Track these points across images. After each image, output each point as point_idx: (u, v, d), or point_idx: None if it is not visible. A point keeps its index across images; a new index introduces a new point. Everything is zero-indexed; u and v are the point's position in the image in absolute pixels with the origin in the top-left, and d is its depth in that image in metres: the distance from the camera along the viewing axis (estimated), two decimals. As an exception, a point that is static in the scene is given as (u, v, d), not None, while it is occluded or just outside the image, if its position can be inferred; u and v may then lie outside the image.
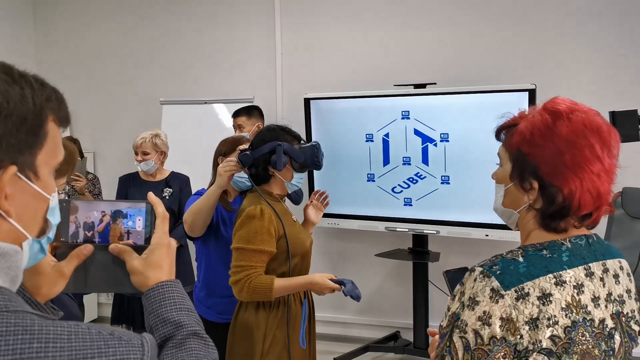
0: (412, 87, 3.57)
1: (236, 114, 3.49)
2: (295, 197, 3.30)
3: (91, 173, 3.47)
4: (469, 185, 3.29)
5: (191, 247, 3.27)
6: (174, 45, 4.40)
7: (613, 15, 3.51)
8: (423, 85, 3.55)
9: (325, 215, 3.85)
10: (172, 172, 3.44)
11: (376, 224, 3.69)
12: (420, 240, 3.66)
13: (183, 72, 4.38)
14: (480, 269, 0.98)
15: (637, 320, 1.06)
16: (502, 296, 0.94)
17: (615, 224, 2.98)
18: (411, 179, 3.55)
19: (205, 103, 4.12)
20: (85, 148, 4.64)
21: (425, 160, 3.48)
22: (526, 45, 3.65)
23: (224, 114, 4.06)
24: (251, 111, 3.50)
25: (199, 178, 3.70)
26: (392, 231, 3.65)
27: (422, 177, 3.51)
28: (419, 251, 3.65)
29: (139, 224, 0.90)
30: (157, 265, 0.87)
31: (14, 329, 0.61)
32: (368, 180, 3.68)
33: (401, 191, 3.60)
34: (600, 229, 2.78)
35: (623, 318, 1.02)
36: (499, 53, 3.70)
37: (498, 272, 0.96)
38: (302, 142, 2.05)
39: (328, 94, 3.75)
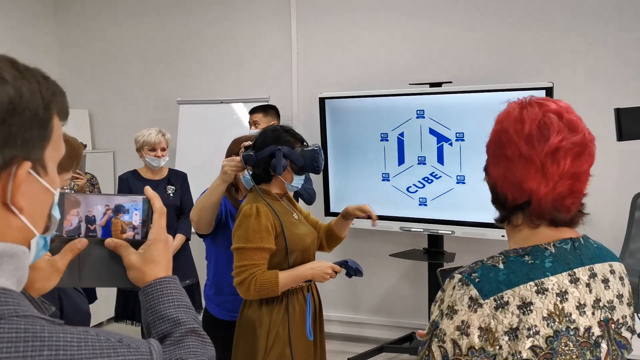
0: (428, 85, 3.54)
1: (253, 111, 3.54)
2: (308, 198, 3.34)
3: (89, 173, 3.54)
4: (485, 185, 3.23)
5: (195, 243, 3.34)
6: (191, 45, 4.46)
7: (634, 12, 3.42)
8: (438, 84, 3.52)
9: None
10: (171, 170, 3.50)
11: (391, 223, 3.67)
12: (435, 240, 3.63)
13: (200, 72, 4.44)
14: (459, 276, 0.96)
15: (629, 327, 1.02)
16: (481, 305, 0.92)
17: (636, 225, 2.91)
18: (426, 179, 3.53)
19: (222, 103, 4.16)
20: (105, 147, 4.75)
21: (440, 159, 3.46)
22: (543, 42, 3.58)
23: (241, 113, 4.09)
24: (267, 109, 3.54)
25: (216, 176, 3.73)
26: (407, 231, 3.64)
27: (437, 176, 3.49)
28: (434, 251, 3.63)
29: (135, 218, 0.90)
30: (154, 261, 0.87)
31: (24, 336, 0.60)
32: (383, 180, 3.67)
33: (416, 191, 3.58)
34: (612, 233, 2.73)
35: (612, 325, 0.98)
36: (515, 51, 3.63)
37: (477, 279, 0.94)
38: (304, 144, 2.06)
39: (343, 93, 3.74)
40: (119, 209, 0.90)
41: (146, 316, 0.85)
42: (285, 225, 1.95)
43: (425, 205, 3.56)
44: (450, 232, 3.48)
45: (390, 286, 4.08)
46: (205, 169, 3.81)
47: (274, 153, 1.96)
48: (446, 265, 3.54)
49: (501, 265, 0.96)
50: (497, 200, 1.05)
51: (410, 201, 3.60)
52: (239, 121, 4.05)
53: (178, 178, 3.47)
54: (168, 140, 3.42)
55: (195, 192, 3.68)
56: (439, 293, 1.00)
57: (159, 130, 3.38)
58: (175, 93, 4.41)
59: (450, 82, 3.54)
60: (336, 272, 2.03)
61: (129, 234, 0.90)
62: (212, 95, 4.30)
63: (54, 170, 0.71)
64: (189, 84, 4.46)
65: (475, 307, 0.92)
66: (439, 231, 3.53)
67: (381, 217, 3.72)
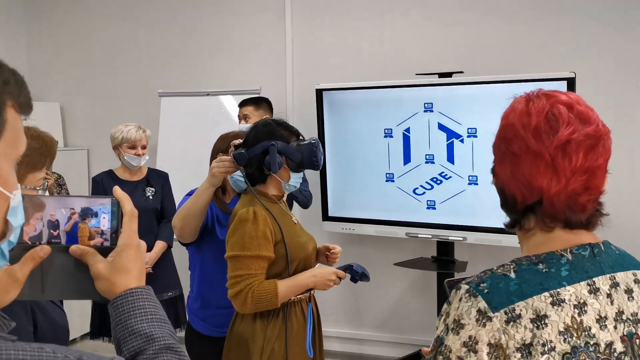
0: (437, 76, 3.54)
1: (243, 104, 3.54)
2: (304, 201, 3.35)
3: (55, 173, 3.54)
4: None
5: (178, 251, 3.34)
6: (173, 31, 4.46)
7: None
8: (448, 74, 3.52)
9: (339, 220, 3.86)
10: (150, 169, 3.51)
11: (396, 229, 3.68)
12: (445, 247, 3.64)
13: (183, 61, 4.44)
14: (467, 286, 0.97)
15: None
16: (490, 319, 0.92)
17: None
18: (435, 179, 3.53)
19: (208, 95, 4.17)
20: (78, 144, 4.75)
21: (450, 158, 3.46)
22: (565, 29, 3.58)
23: (229, 106, 4.10)
24: (259, 102, 3.55)
25: (202, 177, 3.73)
26: (414, 237, 3.64)
27: (447, 177, 3.49)
28: (444, 260, 3.64)
29: (103, 222, 0.89)
30: (124, 270, 0.86)
31: None
32: (387, 181, 3.68)
33: (424, 193, 3.58)
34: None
35: (637, 340, 0.98)
36: (533, 38, 3.64)
37: (486, 290, 0.94)
38: (300, 137, 2.07)
39: (342, 85, 3.75)
40: (86, 213, 0.89)
41: (116, 332, 0.84)
42: (286, 231, 1.95)
43: (434, 208, 3.56)
44: (461, 239, 3.49)
45: (395, 299, 4.09)
46: (189, 169, 3.81)
47: (267, 149, 1.96)
48: (457, 276, 3.55)
49: (512, 275, 0.97)
50: (506, 203, 1.05)
51: (417, 204, 3.60)
52: (228, 115, 4.06)
53: (159, 179, 3.47)
54: (148, 136, 3.43)
55: (178, 194, 3.68)
56: (445, 306, 1.00)
57: (138, 125, 3.39)
58: (157, 84, 4.41)
59: (462, 72, 3.54)
60: (340, 278, 2.04)
61: (97, 240, 0.89)
62: (198, 87, 4.30)
63: (8, 169, 0.70)
64: (172, 74, 4.46)
65: (484, 320, 0.92)
66: (449, 237, 3.53)
67: (385, 222, 3.77)
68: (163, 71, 4.49)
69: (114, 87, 4.63)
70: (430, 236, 3.59)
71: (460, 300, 0.96)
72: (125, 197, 0.90)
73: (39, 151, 1.51)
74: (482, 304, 0.93)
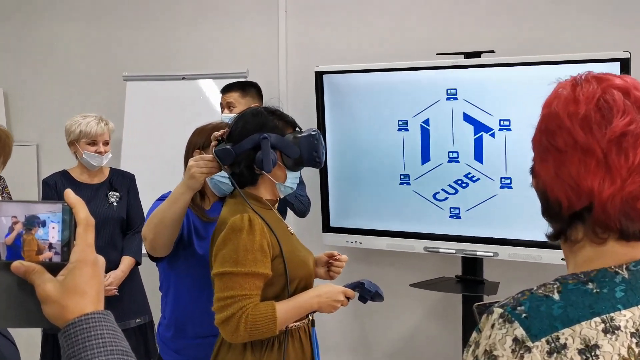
0: (462, 56, 3.55)
1: (226, 89, 3.55)
2: (301, 208, 3.35)
3: None
4: None
5: (148, 268, 3.32)
6: (141, 1, 4.46)
7: None
8: (477, 54, 3.53)
9: (343, 231, 3.86)
10: (114, 170, 3.52)
11: (412, 242, 3.68)
12: (472, 265, 3.64)
13: (154, 38, 4.45)
14: (500, 310, 0.97)
15: None
16: (529, 349, 0.92)
17: None
18: (460, 182, 3.54)
19: (184, 79, 4.18)
20: (25, 139, 4.74)
21: (479, 156, 3.47)
22: (616, 0, 3.61)
23: (210, 92, 4.10)
24: (246, 87, 3.56)
25: (176, 179, 3.74)
26: (434, 253, 3.64)
27: (474, 179, 3.50)
28: (471, 280, 3.64)
29: (52, 233, 0.88)
30: (78, 291, 0.85)
31: None
32: (401, 184, 3.68)
33: (446, 198, 3.59)
34: None
35: None
36: (580, 11, 3.65)
37: (524, 315, 0.95)
38: (297, 129, 2.08)
39: (347, 67, 3.74)
40: (32, 222, 0.88)
41: None
42: (284, 244, 1.96)
43: (459, 217, 3.56)
44: (492, 254, 3.49)
45: (411, 326, 4.09)
46: (160, 169, 3.81)
47: (258, 144, 1.96)
48: (488, 300, 3.55)
49: (556, 296, 0.97)
50: (549, 210, 1.05)
51: (438, 212, 3.60)
52: (207, 103, 4.07)
53: (124, 181, 3.47)
54: (112, 130, 3.43)
55: (147, 200, 3.68)
56: (474, 334, 1.00)
57: (99, 117, 3.39)
58: (121, 66, 4.40)
59: (493, 51, 3.55)
60: (348, 298, 2.05)
61: (47, 254, 0.88)
62: (171, 69, 4.30)
63: None
64: (139, 54, 4.47)
65: (521, 351, 0.93)
66: (477, 253, 3.53)
67: (399, 234, 3.77)
68: (129, 50, 4.50)
69: (69, 69, 4.64)
70: (454, 251, 3.59)
71: (492, 327, 0.96)
72: (79, 202, 0.89)
73: None
74: (520, 332, 0.94)
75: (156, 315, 3.04)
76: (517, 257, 3.43)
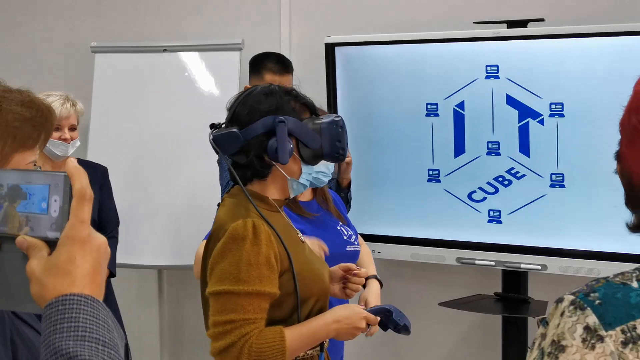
0: (504, 25, 3.55)
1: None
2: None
3: None
4: (598, 190, 3.17)
5: (123, 281, 3.31)
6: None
7: None
8: (523, 23, 3.53)
9: (358, 237, 3.87)
10: (82, 162, 3.50)
11: (442, 252, 3.69)
12: (515, 279, 3.65)
13: (128, 3, 4.46)
14: (572, 297, 1.01)
15: None
16: (602, 339, 0.96)
17: None
18: (501, 179, 3.55)
19: (165, 51, 4.18)
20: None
21: (524, 147, 3.48)
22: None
23: (195, 68, 4.12)
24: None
25: (156, 171, 3.74)
26: (469, 265, 3.66)
27: (519, 175, 3.51)
28: (513, 299, 3.64)
29: (55, 206, 0.91)
30: (61, 271, 0.88)
31: None
32: (429, 181, 3.69)
33: (484, 199, 3.60)
34: None
35: None
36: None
37: (597, 301, 0.99)
38: (315, 114, 2.07)
39: (363, 37, 3.76)
40: (16, 193, 0.93)
41: (41, 355, 0.86)
42: (295, 256, 1.94)
43: (499, 222, 3.57)
44: (539, 267, 3.49)
45: (444, 352, 4.11)
46: (137, 160, 3.84)
47: (272, 129, 1.95)
48: (531, 321, 3.55)
49: (635, 284, 1.01)
50: (632, 199, 1.10)
51: (474, 215, 3.62)
52: (192, 81, 4.09)
53: (95, 175, 3.49)
54: (80, 112, 3.45)
55: (121, 197, 3.69)
56: (540, 328, 1.05)
57: (65, 96, 3.41)
58: (89, 35, 4.43)
59: (542, 19, 3.55)
60: (368, 325, 2.04)
61: (25, 229, 0.92)
62: (149, 39, 4.32)
63: None
64: (111, 21, 4.48)
65: (592, 341, 0.96)
66: (522, 265, 3.54)
67: (426, 242, 3.77)
68: (98, 16, 4.51)
69: (29, 40, 4.65)
70: (493, 263, 3.60)
71: (562, 315, 1.01)
72: (77, 172, 0.91)
73: (31, 124, 1.52)
74: (592, 319, 0.98)
75: (131, 336, 3.06)
76: (570, 271, 3.42)
